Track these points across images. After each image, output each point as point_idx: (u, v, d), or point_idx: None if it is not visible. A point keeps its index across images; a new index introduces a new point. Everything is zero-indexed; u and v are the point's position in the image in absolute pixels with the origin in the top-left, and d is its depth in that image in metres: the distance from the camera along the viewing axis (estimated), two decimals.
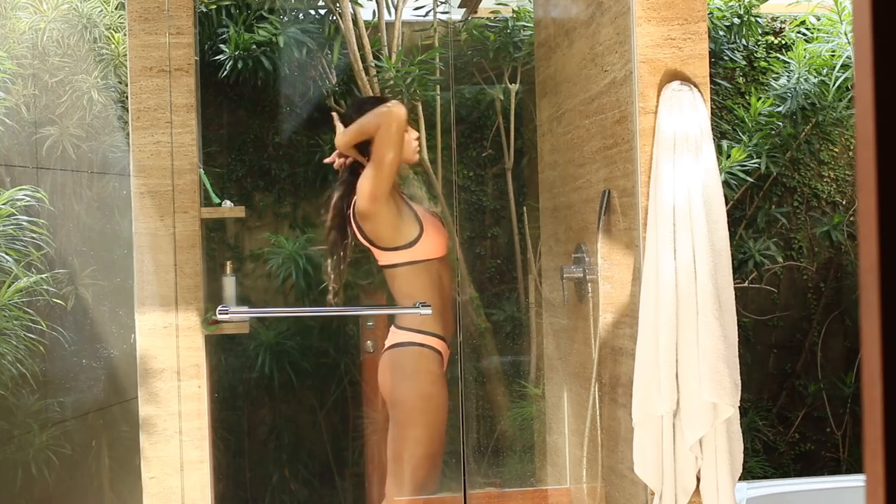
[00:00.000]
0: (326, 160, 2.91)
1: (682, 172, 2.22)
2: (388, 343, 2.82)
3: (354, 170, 2.79)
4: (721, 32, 3.79)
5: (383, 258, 2.77)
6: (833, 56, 3.71)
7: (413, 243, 2.71)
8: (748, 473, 3.64)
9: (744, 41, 3.88)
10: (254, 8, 3.50)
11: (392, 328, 2.82)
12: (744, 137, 3.68)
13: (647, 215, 2.28)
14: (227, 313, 2.69)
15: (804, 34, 3.89)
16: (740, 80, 3.93)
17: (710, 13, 3.74)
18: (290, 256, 3.37)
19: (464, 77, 3.74)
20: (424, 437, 2.73)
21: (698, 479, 2.27)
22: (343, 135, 2.74)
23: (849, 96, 3.72)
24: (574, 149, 2.88)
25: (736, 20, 3.78)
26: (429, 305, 2.75)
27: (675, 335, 2.20)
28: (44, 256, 2.98)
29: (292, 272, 3.37)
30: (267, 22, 3.45)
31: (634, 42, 2.32)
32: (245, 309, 2.88)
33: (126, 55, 2.81)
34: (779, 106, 3.76)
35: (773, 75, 3.86)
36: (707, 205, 2.21)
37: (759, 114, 3.69)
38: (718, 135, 3.79)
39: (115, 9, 3.28)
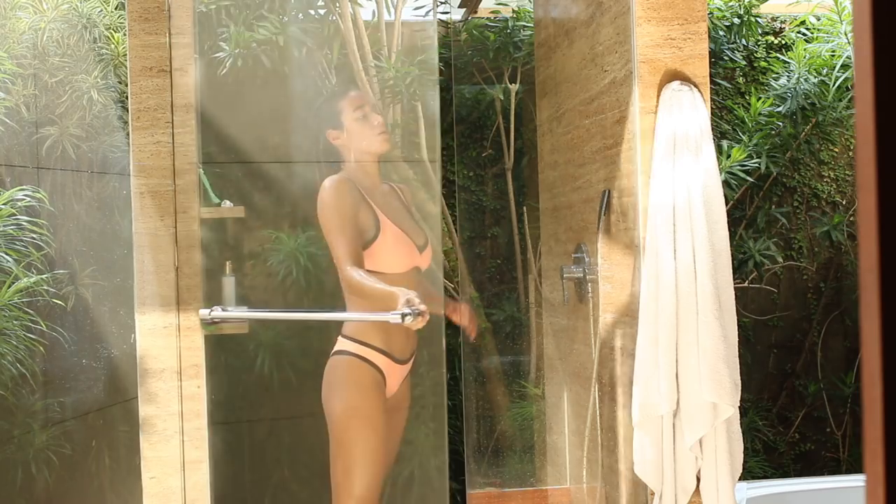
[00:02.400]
0: None
1: (682, 172, 2.22)
2: (332, 351, 2.69)
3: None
4: (721, 32, 3.79)
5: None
6: (833, 56, 3.70)
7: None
8: (748, 473, 3.64)
9: (744, 41, 3.87)
10: (254, 8, 3.50)
11: (339, 337, 2.68)
12: (744, 137, 3.67)
13: (648, 215, 2.28)
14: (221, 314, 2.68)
15: (804, 34, 3.89)
16: (740, 80, 3.93)
17: (710, 13, 3.74)
18: (291, 254, 3.37)
19: (464, 77, 3.73)
20: (354, 457, 2.52)
21: (698, 479, 2.27)
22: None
23: (849, 96, 3.72)
24: (574, 149, 2.87)
25: (736, 20, 3.78)
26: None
27: (675, 335, 2.20)
28: (44, 257, 2.98)
29: (292, 270, 3.37)
30: (267, 21, 3.45)
31: (634, 42, 2.32)
32: (245, 309, 2.88)
33: (126, 55, 2.81)
34: (779, 106, 3.76)
35: (773, 75, 3.86)
36: (707, 205, 2.21)
37: (759, 114, 3.69)
38: (718, 135, 3.79)
39: (115, 9, 3.28)
